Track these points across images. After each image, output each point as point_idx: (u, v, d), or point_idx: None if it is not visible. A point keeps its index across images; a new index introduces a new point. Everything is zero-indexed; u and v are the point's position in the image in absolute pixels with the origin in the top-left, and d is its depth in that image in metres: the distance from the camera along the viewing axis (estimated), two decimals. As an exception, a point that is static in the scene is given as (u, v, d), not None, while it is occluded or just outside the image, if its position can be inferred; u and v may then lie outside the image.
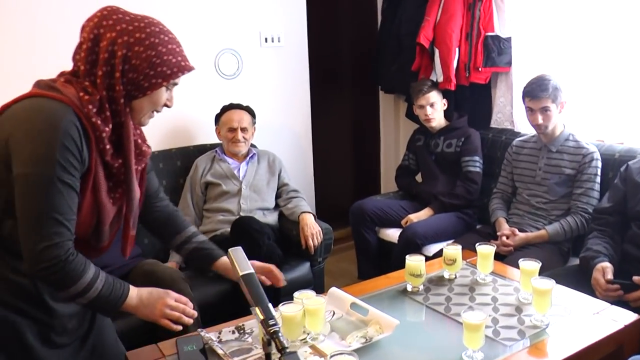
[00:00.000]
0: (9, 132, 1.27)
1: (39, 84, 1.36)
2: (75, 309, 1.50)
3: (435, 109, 3.22)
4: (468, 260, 2.23)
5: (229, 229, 2.83)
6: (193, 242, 1.79)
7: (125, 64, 1.33)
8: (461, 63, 3.31)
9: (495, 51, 3.22)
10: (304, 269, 2.93)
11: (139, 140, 1.50)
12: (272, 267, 1.83)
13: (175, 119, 3.34)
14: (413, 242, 2.91)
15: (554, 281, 1.74)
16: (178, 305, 1.54)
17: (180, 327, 1.54)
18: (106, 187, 1.41)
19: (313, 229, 2.89)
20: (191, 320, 1.56)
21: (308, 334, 1.66)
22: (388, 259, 3.04)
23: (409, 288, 2.00)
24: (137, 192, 1.51)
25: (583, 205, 2.61)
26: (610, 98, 2.88)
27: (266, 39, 3.56)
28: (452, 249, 2.08)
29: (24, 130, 1.26)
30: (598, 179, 2.63)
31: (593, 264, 2.17)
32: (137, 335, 2.07)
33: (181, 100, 3.21)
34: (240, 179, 3.05)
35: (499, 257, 2.64)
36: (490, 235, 2.81)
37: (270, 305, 1.37)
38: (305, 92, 3.78)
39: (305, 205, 3.03)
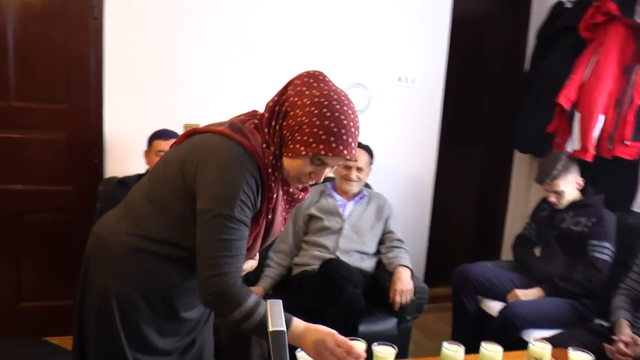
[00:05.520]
0: (198, 160, 1.42)
1: (232, 125, 1.46)
2: (196, 315, 1.63)
3: (561, 196, 2.88)
4: (560, 362, 1.93)
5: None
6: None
7: (283, 120, 1.42)
8: (605, 132, 2.93)
9: (649, 124, 2.82)
10: (389, 323, 2.78)
11: (295, 190, 1.56)
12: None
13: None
14: (511, 323, 2.61)
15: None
16: (339, 352, 1.43)
17: None
18: (262, 237, 1.53)
19: (404, 286, 2.72)
20: None
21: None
22: (486, 332, 2.76)
23: (480, 380, 1.77)
24: (272, 237, 1.59)
25: None
26: None
27: (400, 78, 3.47)
28: (540, 347, 1.81)
29: (215, 169, 1.39)
30: None
31: None
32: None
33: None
34: (344, 217, 2.97)
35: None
36: (606, 336, 2.43)
37: None
38: (433, 138, 3.63)
39: (404, 259, 2.87)
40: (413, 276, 2.82)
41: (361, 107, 3.42)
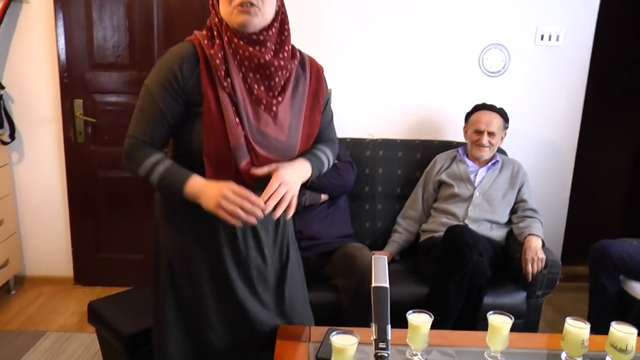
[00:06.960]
0: None
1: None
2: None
3: None
4: None
5: (447, 234, 2.69)
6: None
7: None
8: None
9: None
10: (518, 297, 2.66)
11: (257, 52, 1.49)
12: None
13: (424, 111, 3.29)
14: (658, 307, 2.39)
15: None
16: (235, 198, 1.45)
17: (238, 223, 1.47)
18: (232, 110, 1.49)
19: (535, 254, 2.59)
20: (251, 218, 1.46)
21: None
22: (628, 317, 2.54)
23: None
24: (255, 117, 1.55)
25: None
26: None
27: (542, 37, 3.23)
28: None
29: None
30: None
31: None
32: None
33: (434, 92, 3.21)
34: (475, 184, 2.87)
35: None
36: None
37: (389, 328, 1.30)
38: (577, 103, 3.34)
39: (537, 228, 2.72)
40: (544, 247, 2.66)
41: (499, 69, 3.25)
